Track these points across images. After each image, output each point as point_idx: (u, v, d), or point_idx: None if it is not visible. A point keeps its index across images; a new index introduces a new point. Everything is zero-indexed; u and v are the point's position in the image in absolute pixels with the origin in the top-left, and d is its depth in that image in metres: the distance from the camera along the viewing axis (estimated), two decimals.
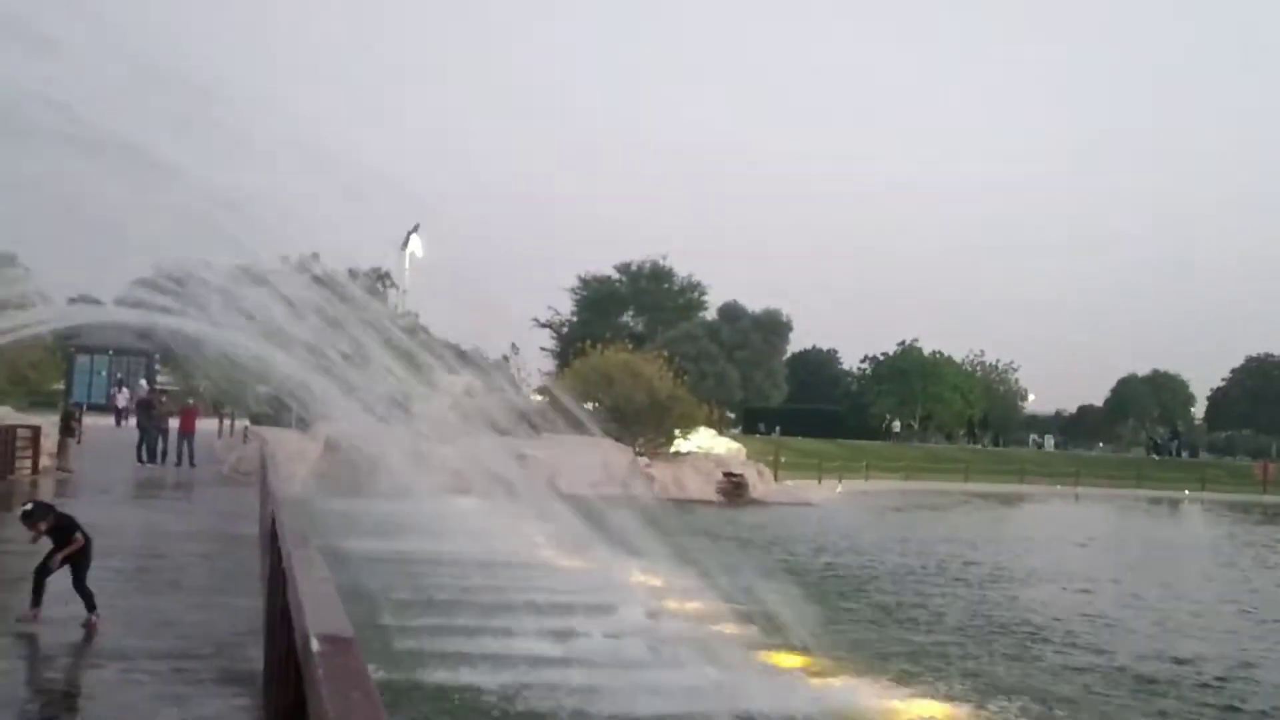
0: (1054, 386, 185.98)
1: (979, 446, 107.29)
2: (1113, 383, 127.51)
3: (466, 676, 14.26)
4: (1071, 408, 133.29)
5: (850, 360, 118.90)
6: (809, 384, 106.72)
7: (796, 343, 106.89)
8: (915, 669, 17.38)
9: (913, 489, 72.42)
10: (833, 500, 59.58)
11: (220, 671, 8.98)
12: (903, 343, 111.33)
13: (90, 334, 56.13)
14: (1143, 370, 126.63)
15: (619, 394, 54.69)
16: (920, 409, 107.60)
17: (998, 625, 22.79)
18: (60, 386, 56.84)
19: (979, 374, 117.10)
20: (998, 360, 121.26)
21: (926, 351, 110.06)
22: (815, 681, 15.96)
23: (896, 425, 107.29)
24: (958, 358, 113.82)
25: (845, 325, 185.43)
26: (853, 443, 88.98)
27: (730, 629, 19.48)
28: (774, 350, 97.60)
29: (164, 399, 37.34)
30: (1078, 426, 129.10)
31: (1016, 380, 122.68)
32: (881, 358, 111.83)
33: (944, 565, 32.81)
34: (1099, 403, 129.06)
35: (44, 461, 30.12)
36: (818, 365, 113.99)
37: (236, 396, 44.87)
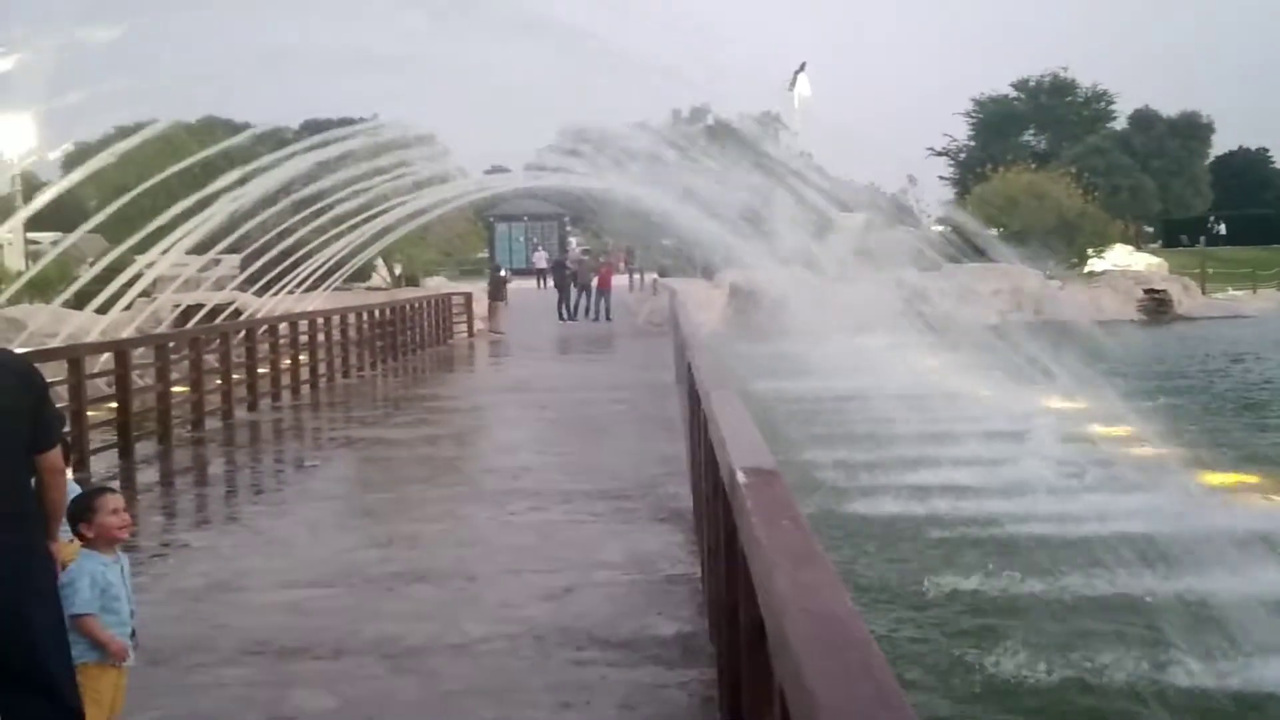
0: None
1: None
2: None
3: (889, 507, 14.39)
4: None
5: None
6: (1237, 189, 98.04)
7: (1220, 145, 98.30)
8: None
9: None
10: (1271, 310, 55.11)
11: (653, 509, 9.50)
12: None
13: (506, 202, 59.52)
14: None
15: (1024, 217, 52.55)
16: None
17: None
18: (484, 254, 60.72)
19: None
20: None
21: None
22: (1255, 501, 15.04)
23: None
24: None
25: (1277, 121, 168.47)
26: None
27: (1157, 451, 18.60)
28: (1194, 156, 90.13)
29: (585, 258, 39.15)
30: None
31: None
32: None
33: None
34: None
35: (477, 325, 32.47)
36: (1246, 167, 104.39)
37: (644, 251, 46.49)
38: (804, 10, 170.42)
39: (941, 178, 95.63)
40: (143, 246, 24.48)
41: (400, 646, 6.34)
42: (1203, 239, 72.51)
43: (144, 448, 13.57)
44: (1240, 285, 62.25)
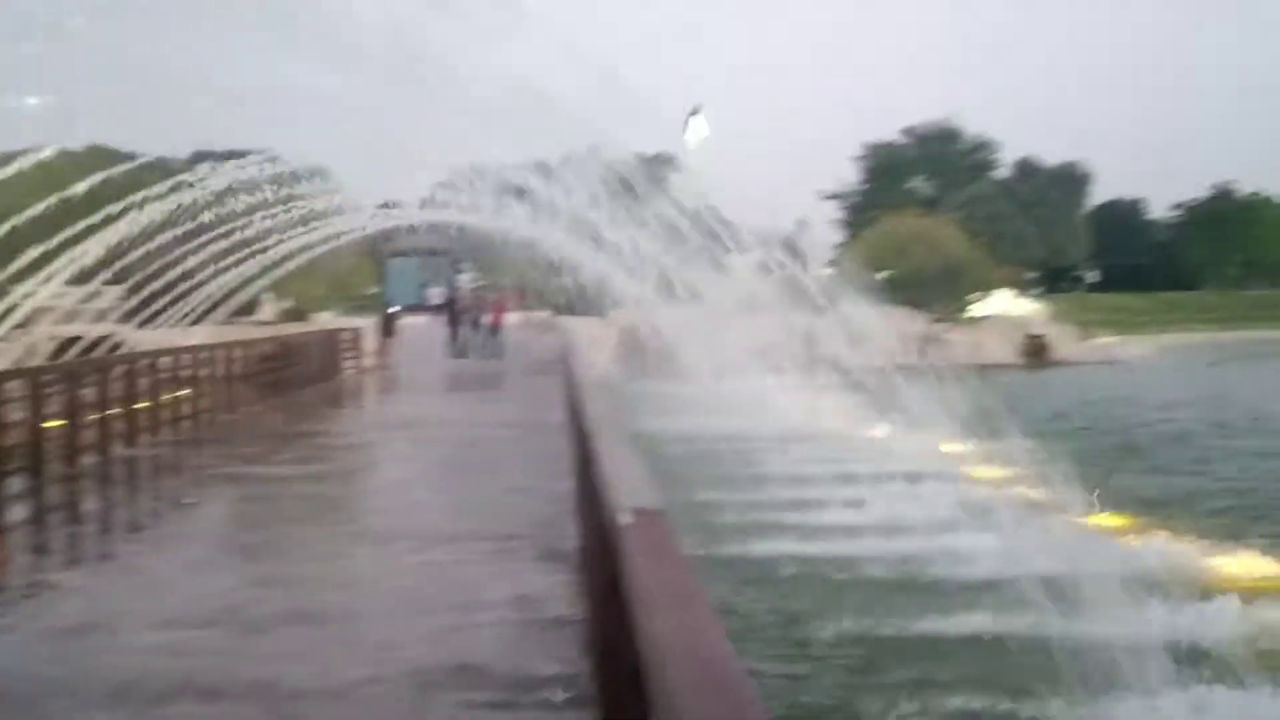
0: None
1: None
2: None
3: (774, 548, 14.50)
4: None
5: (1159, 209, 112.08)
6: (1114, 237, 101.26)
7: (1098, 195, 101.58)
8: (1235, 526, 16.57)
9: (1232, 340, 68.33)
10: (1144, 357, 56.88)
11: (540, 550, 9.43)
12: (1217, 186, 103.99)
13: (399, 238, 59.10)
14: None
15: (911, 261, 53.65)
16: (1239, 255, 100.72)
17: None
18: (375, 290, 60.18)
19: None
20: None
21: (1244, 193, 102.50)
22: (1128, 542, 15.46)
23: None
24: None
25: (1152, 173, 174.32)
26: (1165, 295, 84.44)
27: (1035, 493, 19.04)
28: (1074, 205, 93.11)
29: (476, 295, 39.01)
30: None
31: None
32: (1194, 203, 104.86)
33: (1265, 420, 30.91)
34: None
35: (366, 361, 32.09)
36: (1123, 217, 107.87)
37: (536, 289, 46.48)
38: (700, 51, 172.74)
39: (833, 221, 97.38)
40: (20, 277, 23.82)
41: (278, 690, 6.20)
42: (1081, 285, 74.72)
43: (15, 484, 13.13)
44: (1115, 331, 64.22)
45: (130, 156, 41.10)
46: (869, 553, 14.21)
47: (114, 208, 24.68)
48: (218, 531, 11.31)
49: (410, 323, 41.38)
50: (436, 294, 54.10)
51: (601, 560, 5.12)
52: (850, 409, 27.32)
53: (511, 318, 40.07)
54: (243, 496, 13.24)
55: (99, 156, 45.52)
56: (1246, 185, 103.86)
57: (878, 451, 22.36)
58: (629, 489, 4.52)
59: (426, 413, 21.87)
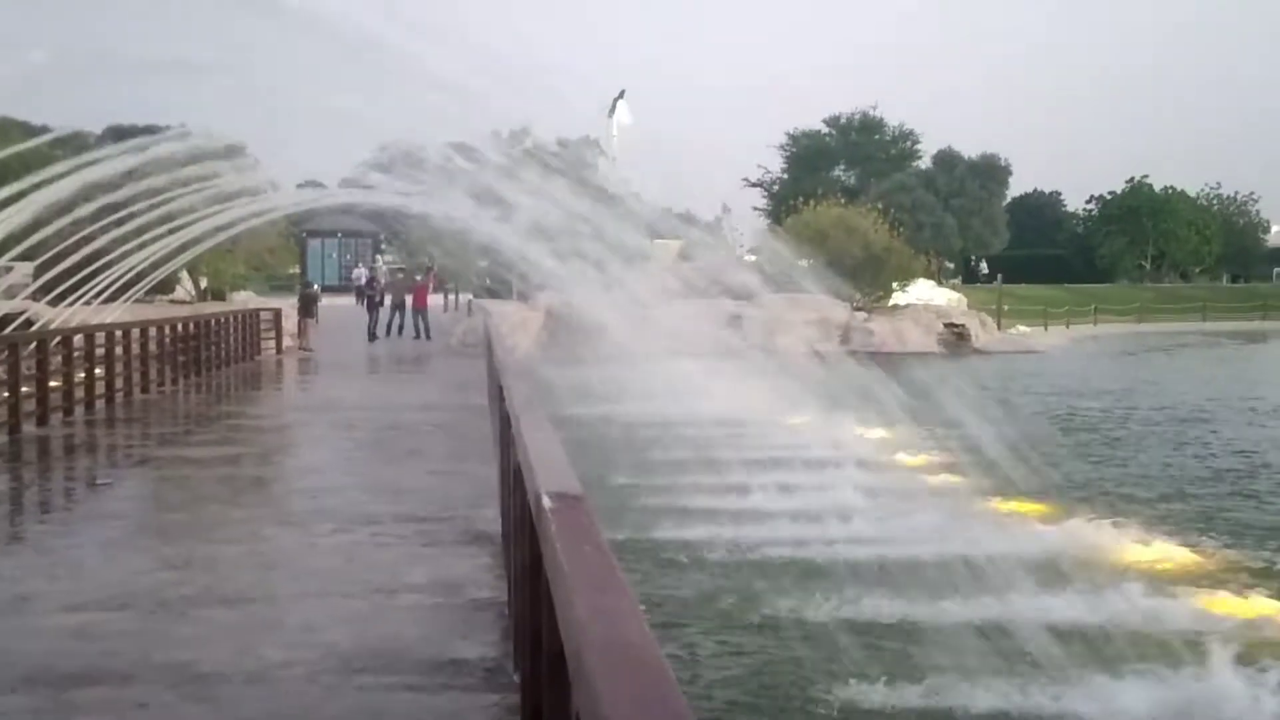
0: None
1: (1217, 284, 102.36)
2: None
3: (693, 532, 14.59)
4: None
5: (1075, 202, 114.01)
6: (1031, 229, 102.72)
7: (1016, 187, 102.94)
8: (1148, 513, 16.95)
9: (1146, 331, 69.80)
10: (1060, 347, 57.92)
11: (462, 533, 9.43)
12: (1131, 180, 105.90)
13: (320, 218, 58.43)
14: None
15: (833, 250, 54.00)
16: (1152, 248, 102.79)
17: (1239, 468, 21.93)
18: (296, 270, 59.47)
19: (1216, 208, 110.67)
20: (1236, 192, 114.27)
21: (1158, 188, 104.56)
22: (1042, 526, 15.77)
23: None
24: (1192, 192, 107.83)
25: (1069, 166, 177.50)
26: (1080, 287, 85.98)
27: (955, 478, 19.34)
28: (993, 196, 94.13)
29: (398, 276, 38.71)
30: None
31: (1258, 212, 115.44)
32: (1109, 197, 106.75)
33: (1180, 407, 31.64)
34: None
35: (286, 342, 31.75)
36: (1040, 209, 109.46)
37: (460, 271, 46.20)
38: (624, 35, 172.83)
39: (755, 208, 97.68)
40: None
41: (193, 673, 6.14)
42: (991, 278, 75.81)
43: None
44: (1032, 321, 65.25)
45: (42, 130, 40.23)
46: (780, 537, 14.36)
47: (24, 182, 24.06)
48: (133, 513, 11.14)
49: (331, 303, 41.00)
50: (363, 274, 53.71)
51: (523, 544, 5.13)
52: (772, 395, 27.50)
53: (434, 299, 39.84)
54: (159, 477, 13.06)
55: (8, 129, 44.53)
56: (1159, 179, 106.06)
57: (798, 437, 22.56)
58: (550, 473, 4.53)
59: (347, 395, 21.70)
